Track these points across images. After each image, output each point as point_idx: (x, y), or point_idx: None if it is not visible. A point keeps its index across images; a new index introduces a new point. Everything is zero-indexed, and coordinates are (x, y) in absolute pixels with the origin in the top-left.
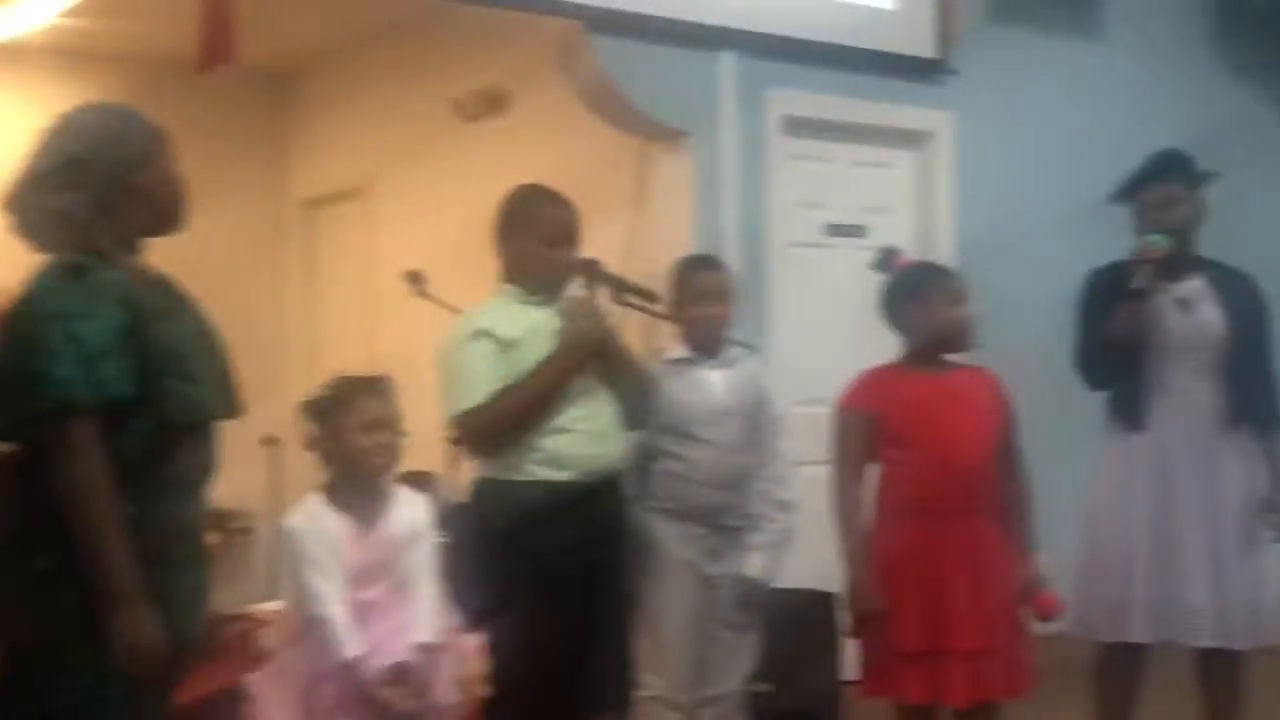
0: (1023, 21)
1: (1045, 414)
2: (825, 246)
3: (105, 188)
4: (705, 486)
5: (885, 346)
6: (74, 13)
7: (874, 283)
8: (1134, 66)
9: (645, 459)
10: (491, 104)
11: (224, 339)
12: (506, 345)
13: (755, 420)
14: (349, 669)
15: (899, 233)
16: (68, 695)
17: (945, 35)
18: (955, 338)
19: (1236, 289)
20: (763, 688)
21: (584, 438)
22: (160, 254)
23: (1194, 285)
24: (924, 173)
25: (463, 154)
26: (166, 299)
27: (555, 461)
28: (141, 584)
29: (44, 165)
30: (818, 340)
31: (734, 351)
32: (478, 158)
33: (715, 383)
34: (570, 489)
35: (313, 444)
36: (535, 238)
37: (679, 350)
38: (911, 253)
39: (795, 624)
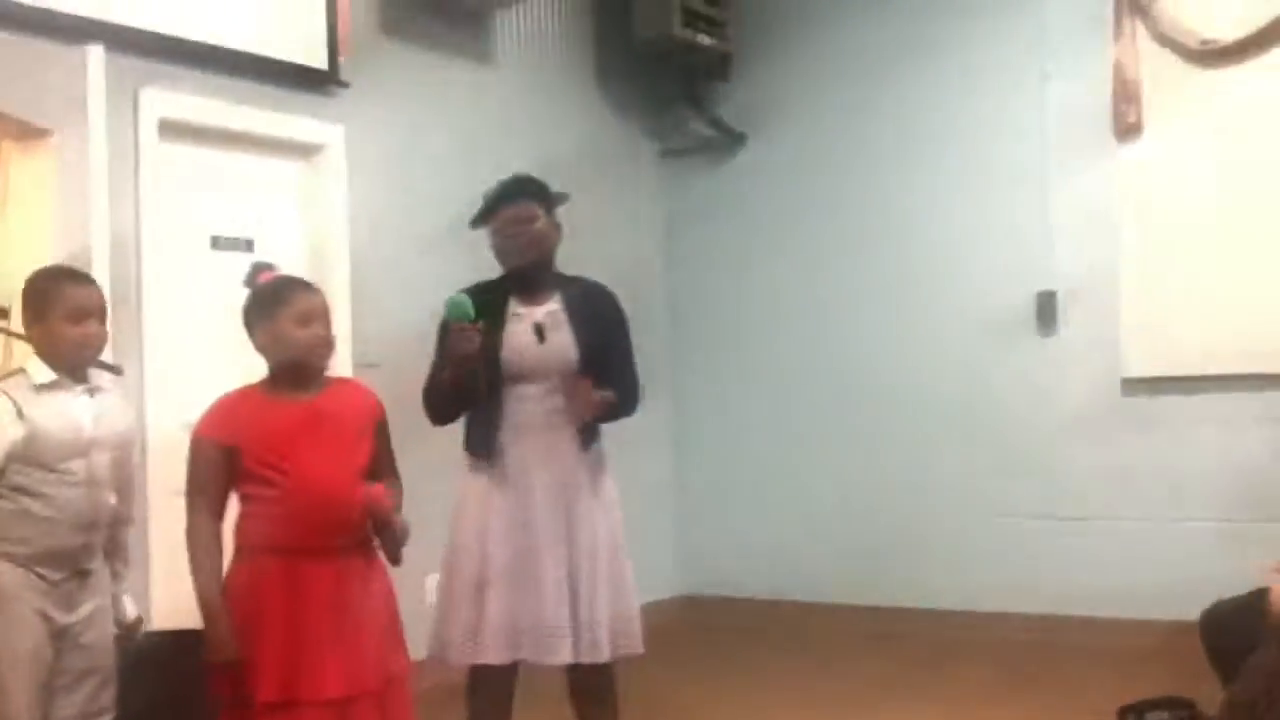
0: (415, 39)
1: (424, 429)
2: (210, 259)
3: None
4: (68, 527)
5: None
6: None
7: None
8: (521, 93)
9: None
10: None
11: None
12: None
13: (122, 453)
14: None
15: (289, 245)
16: None
17: (335, 47)
18: (304, 359)
19: (592, 305)
20: None
21: None
22: None
23: (550, 309)
24: (314, 185)
25: None
26: None
27: None
28: None
29: None
30: (202, 360)
31: (100, 376)
32: None
33: (82, 411)
34: None
35: None
36: None
37: (41, 373)
38: (295, 266)
39: (167, 668)
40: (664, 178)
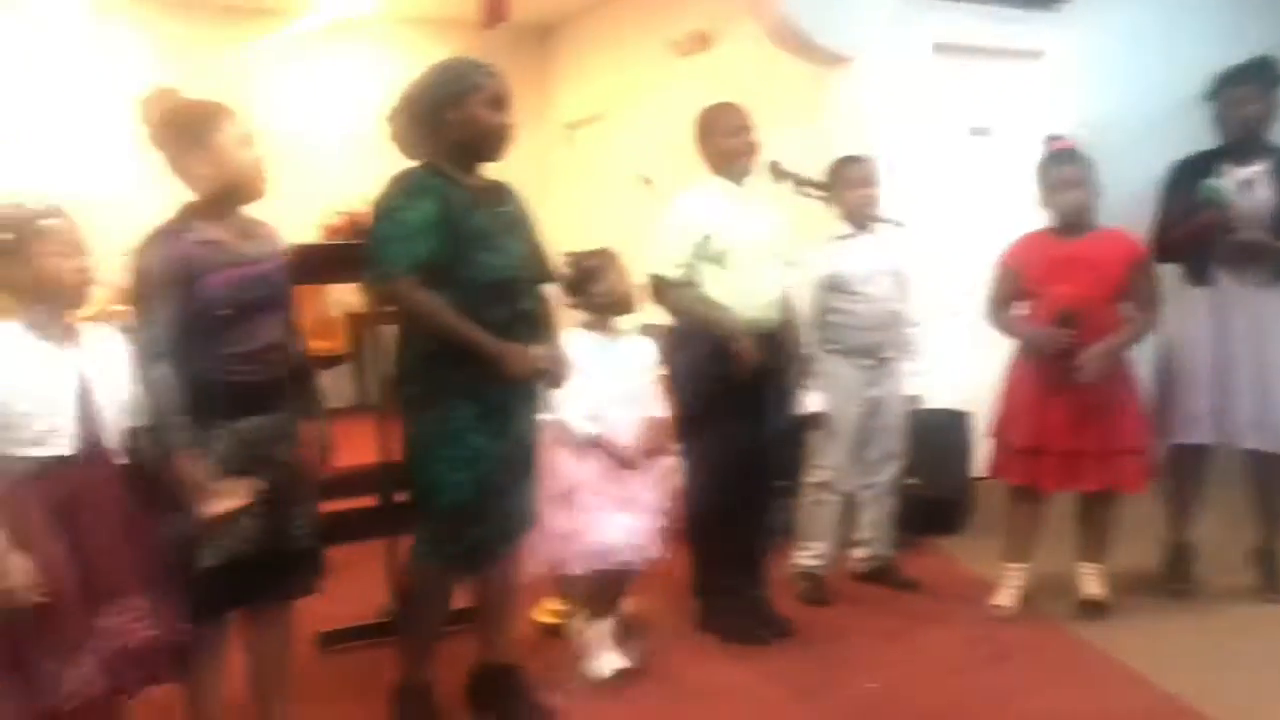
0: None
1: None
2: (966, 145)
3: (425, 119)
4: (863, 330)
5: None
6: None
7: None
8: None
9: (821, 314)
10: (700, 42)
11: (535, 226)
12: (705, 233)
13: (899, 277)
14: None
15: (1021, 133)
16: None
17: None
18: (1065, 215)
19: None
20: (914, 482)
21: (754, 304)
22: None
23: (1256, 169)
24: (1044, 82)
25: (679, 82)
26: (482, 197)
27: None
28: (492, 342)
29: (399, 98)
30: (954, 217)
31: (881, 226)
32: (690, 85)
33: (868, 250)
34: (756, 328)
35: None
36: (719, 133)
37: (842, 228)
38: (1026, 152)
39: (938, 435)
40: None
